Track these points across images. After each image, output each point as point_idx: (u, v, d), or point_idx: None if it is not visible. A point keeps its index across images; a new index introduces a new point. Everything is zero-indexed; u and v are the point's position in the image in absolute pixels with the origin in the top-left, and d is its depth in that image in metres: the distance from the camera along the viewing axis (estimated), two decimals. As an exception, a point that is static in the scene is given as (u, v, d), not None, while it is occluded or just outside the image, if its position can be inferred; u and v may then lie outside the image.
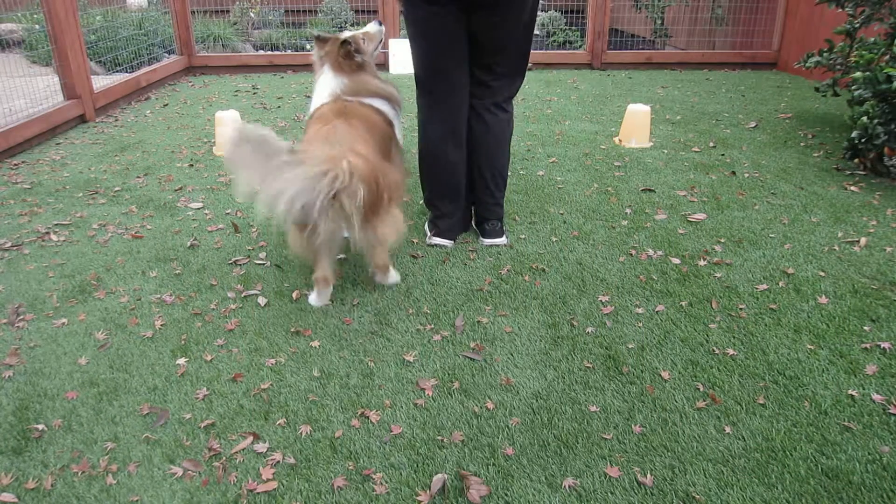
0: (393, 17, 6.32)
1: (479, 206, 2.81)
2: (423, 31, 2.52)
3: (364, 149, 2.16)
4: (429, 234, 2.81)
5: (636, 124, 4.06)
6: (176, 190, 3.42)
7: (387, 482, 1.58)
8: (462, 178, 2.72)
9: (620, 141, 4.14)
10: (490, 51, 2.53)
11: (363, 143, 2.21)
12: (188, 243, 2.81)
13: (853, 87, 3.63)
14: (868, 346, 2.07)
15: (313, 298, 2.35)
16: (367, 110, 2.44)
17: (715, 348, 2.08)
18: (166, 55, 6.42)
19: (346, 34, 2.63)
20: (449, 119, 2.62)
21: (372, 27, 2.72)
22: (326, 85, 2.54)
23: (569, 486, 1.56)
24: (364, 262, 2.50)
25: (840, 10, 4.16)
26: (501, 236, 2.78)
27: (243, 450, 1.68)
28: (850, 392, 1.86)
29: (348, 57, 2.55)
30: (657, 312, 2.27)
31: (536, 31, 8.54)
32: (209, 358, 2.05)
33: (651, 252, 2.69)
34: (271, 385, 1.93)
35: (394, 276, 2.45)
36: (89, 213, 3.15)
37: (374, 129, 2.38)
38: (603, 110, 4.94)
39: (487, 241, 2.77)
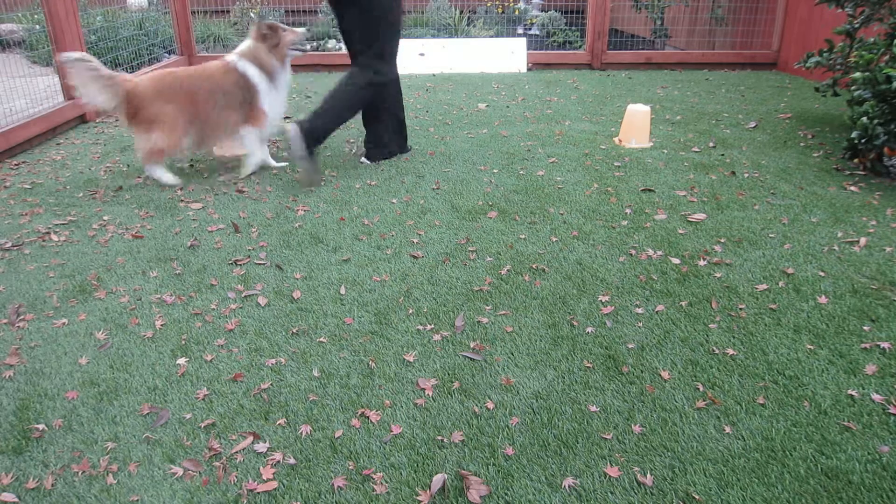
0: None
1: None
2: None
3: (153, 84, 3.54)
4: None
5: (636, 124, 4.06)
6: (176, 190, 3.42)
7: (387, 482, 1.59)
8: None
9: (620, 141, 4.14)
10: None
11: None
12: (188, 243, 2.81)
13: (853, 88, 3.63)
14: (868, 345, 2.07)
15: None
16: (224, 74, 3.48)
17: (715, 348, 2.08)
18: (166, 55, 6.42)
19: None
20: None
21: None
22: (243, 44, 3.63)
23: (569, 486, 1.56)
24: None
25: (840, 10, 4.16)
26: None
27: (243, 450, 1.69)
28: (849, 392, 1.87)
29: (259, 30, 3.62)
30: (657, 312, 2.27)
31: (536, 31, 8.55)
32: (209, 358, 2.05)
33: (651, 252, 2.70)
34: (271, 385, 1.93)
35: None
36: (89, 213, 3.15)
37: (210, 84, 3.43)
38: (603, 110, 4.94)
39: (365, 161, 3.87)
